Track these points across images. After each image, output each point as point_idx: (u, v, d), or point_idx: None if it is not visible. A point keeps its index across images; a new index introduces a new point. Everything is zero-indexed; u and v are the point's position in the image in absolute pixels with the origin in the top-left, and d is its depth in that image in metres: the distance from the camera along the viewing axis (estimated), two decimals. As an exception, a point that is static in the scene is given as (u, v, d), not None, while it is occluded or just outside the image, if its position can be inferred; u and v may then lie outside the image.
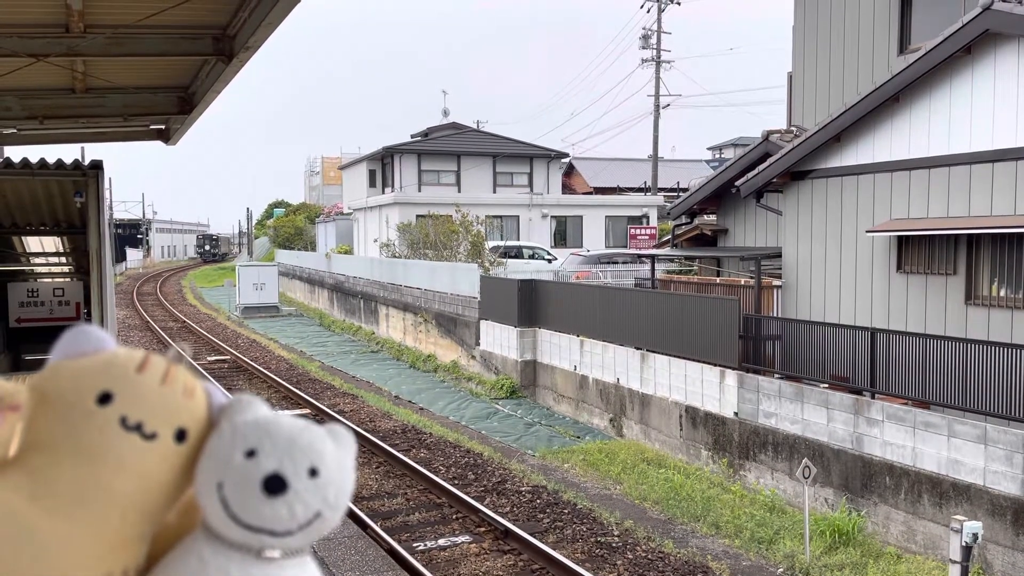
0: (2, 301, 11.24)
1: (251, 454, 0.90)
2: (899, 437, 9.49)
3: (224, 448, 0.92)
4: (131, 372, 0.93)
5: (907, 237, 11.48)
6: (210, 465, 0.92)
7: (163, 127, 8.98)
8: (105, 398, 0.91)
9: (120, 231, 67.96)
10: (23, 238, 12.10)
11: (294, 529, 0.90)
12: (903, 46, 14.39)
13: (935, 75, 10.99)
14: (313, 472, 0.90)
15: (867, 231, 11.88)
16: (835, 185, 12.78)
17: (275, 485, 0.89)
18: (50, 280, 12.50)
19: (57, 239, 12.33)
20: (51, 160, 8.35)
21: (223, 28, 5.89)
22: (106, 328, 9.02)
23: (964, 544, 7.23)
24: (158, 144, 9.70)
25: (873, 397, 10.08)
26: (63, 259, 13.01)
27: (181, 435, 0.93)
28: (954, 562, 7.36)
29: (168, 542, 0.96)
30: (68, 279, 12.43)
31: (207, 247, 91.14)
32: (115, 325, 11.63)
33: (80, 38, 5.58)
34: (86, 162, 8.64)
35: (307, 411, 15.33)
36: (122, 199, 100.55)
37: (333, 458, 0.93)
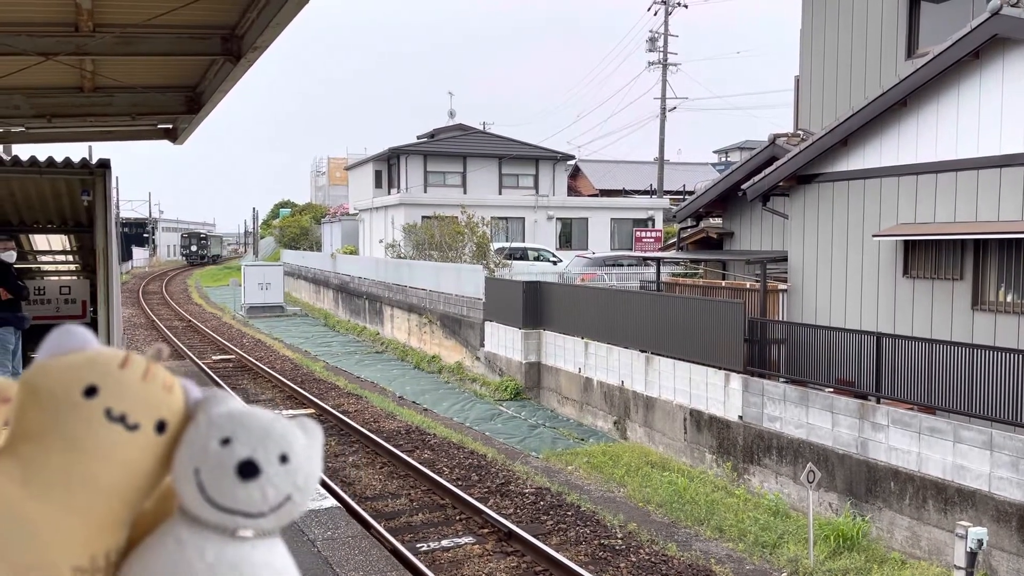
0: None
1: (226, 442, 0.96)
2: (904, 442, 9.46)
3: (201, 437, 0.98)
4: (114, 368, 0.99)
5: (913, 242, 11.45)
6: (188, 453, 0.98)
7: (171, 126, 9.01)
8: (91, 391, 0.96)
9: (126, 230, 66.89)
10: (30, 236, 12.15)
11: (266, 511, 0.96)
12: (911, 50, 14.36)
13: (943, 80, 10.96)
14: (284, 459, 0.97)
15: (873, 235, 11.85)
16: (841, 189, 12.75)
17: (248, 470, 0.95)
18: (56, 278, 12.54)
19: (64, 237, 12.37)
20: (59, 159, 8.39)
21: (231, 28, 5.90)
22: (112, 326, 9.05)
23: (969, 550, 7.22)
24: (165, 143, 9.73)
25: (878, 402, 10.05)
26: (70, 257, 13.06)
27: (161, 426, 0.99)
28: (959, 568, 7.34)
29: (146, 527, 1.01)
30: (74, 277, 12.46)
31: (193, 247, 77.24)
32: (120, 323, 11.66)
33: (89, 37, 5.60)
34: (93, 161, 8.68)
35: (311, 411, 15.34)
36: (129, 198, 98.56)
37: (302, 446, 0.99)
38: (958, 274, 10.92)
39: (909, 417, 9.46)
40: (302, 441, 0.99)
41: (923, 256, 11.43)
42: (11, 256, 9.16)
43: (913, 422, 9.38)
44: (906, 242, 11.56)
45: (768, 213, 14.85)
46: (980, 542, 7.22)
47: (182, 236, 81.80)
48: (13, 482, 0.92)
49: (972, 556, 7.25)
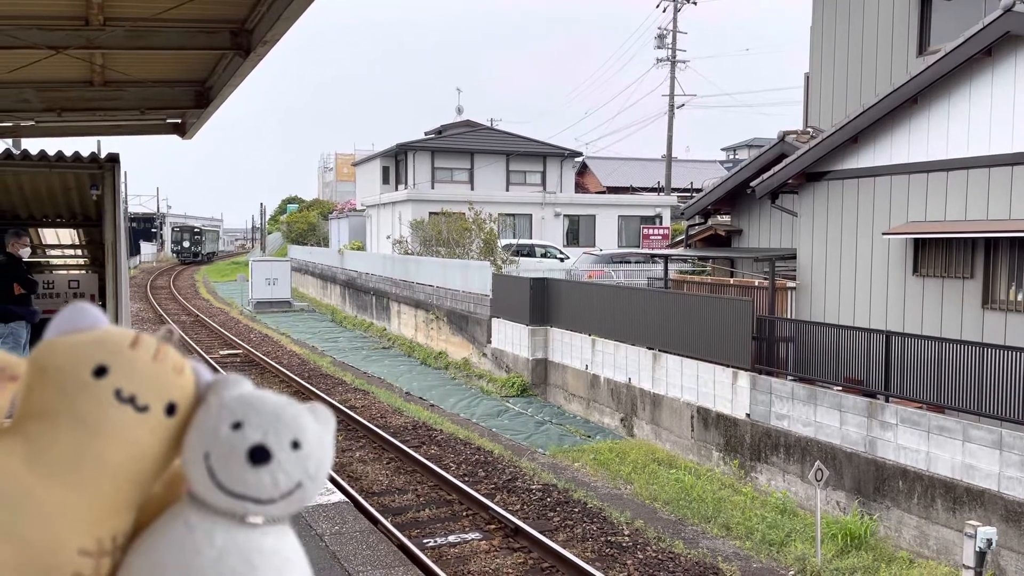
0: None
1: (237, 426, 0.95)
2: (913, 441, 9.42)
3: (211, 421, 0.96)
4: (125, 348, 0.97)
5: (924, 240, 11.40)
6: (198, 436, 0.96)
7: (179, 121, 9.01)
8: (100, 371, 0.95)
9: (134, 225, 65.68)
10: (39, 230, 12.18)
11: (276, 497, 0.95)
12: (922, 47, 14.28)
13: (954, 77, 10.90)
14: (296, 445, 0.95)
15: (883, 233, 11.80)
16: (851, 187, 12.70)
17: (260, 455, 0.93)
18: (65, 272, 12.58)
19: (73, 232, 12.41)
20: (68, 152, 8.40)
21: (241, 22, 5.90)
22: (120, 321, 9.08)
23: (978, 549, 7.18)
24: (174, 138, 9.74)
25: (887, 400, 10.01)
26: (78, 251, 13.10)
27: (171, 409, 0.98)
28: (968, 568, 7.31)
29: (153, 512, 0.99)
30: (83, 271, 12.50)
31: (185, 243, 67.23)
32: (129, 318, 11.70)
33: (99, 31, 5.60)
34: (102, 155, 8.69)
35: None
36: (136, 193, 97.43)
37: (314, 433, 0.98)
38: (969, 272, 10.86)
39: (918, 416, 9.41)
40: (314, 427, 0.98)
41: (933, 254, 11.38)
42: (26, 252, 9.23)
43: (922, 421, 9.34)
44: (916, 240, 11.51)
45: (777, 211, 14.80)
46: (989, 542, 7.19)
47: (172, 230, 70.16)
48: (20, 461, 0.91)
49: (981, 556, 7.22)
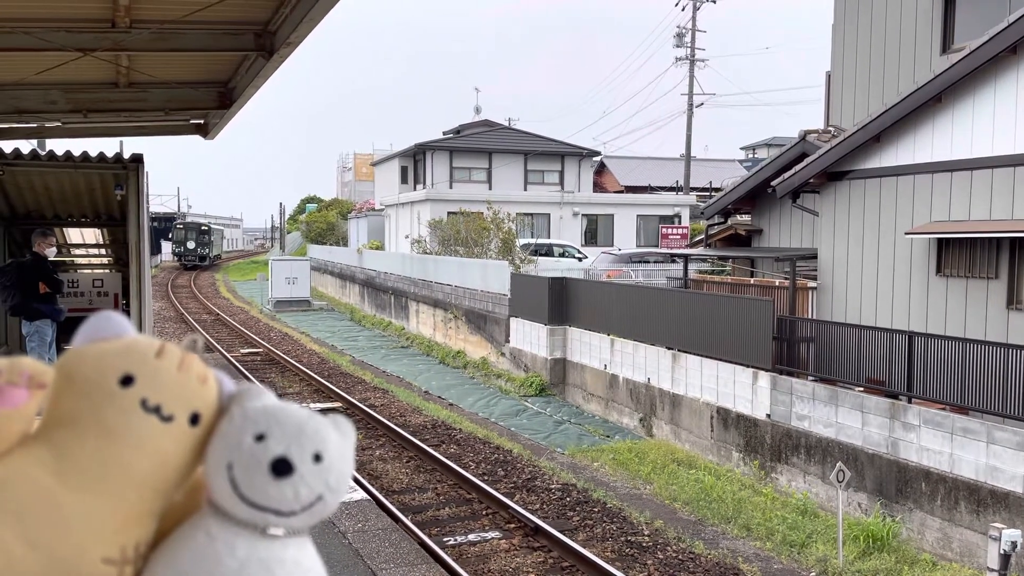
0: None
1: (260, 438, 0.95)
2: (936, 443, 9.34)
3: (235, 432, 0.97)
4: (151, 357, 0.98)
5: (947, 240, 11.29)
6: (221, 447, 0.97)
7: (202, 121, 9.09)
8: (127, 380, 0.95)
9: (156, 224, 65.23)
10: (64, 229, 12.33)
11: (297, 510, 0.95)
12: (946, 46, 14.15)
13: (979, 75, 10.79)
14: (317, 458, 0.95)
15: (906, 233, 11.70)
16: (873, 186, 12.60)
17: (282, 468, 0.94)
18: (89, 271, 12.73)
19: (97, 231, 12.55)
20: (92, 153, 8.51)
21: (264, 24, 5.95)
22: (143, 319, 9.17)
23: (1002, 552, 7.12)
24: (196, 138, 9.82)
25: (910, 401, 9.93)
26: (102, 251, 13.25)
27: (195, 419, 0.98)
28: (992, 570, 7.24)
29: (174, 520, 1.00)
30: (107, 270, 12.65)
31: (189, 243, 57.30)
32: (151, 316, 11.81)
33: (126, 33, 5.66)
34: (126, 155, 8.80)
35: (338, 404, 15.45)
36: (158, 192, 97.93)
37: (336, 446, 0.98)
38: (993, 273, 10.75)
39: (941, 417, 9.33)
40: (336, 440, 0.98)
41: (957, 254, 11.27)
42: (51, 251, 9.36)
43: (945, 422, 9.26)
44: (940, 240, 11.40)
45: (798, 210, 14.71)
46: (1014, 544, 7.12)
47: (175, 228, 60.97)
48: (46, 469, 0.92)
49: (1006, 558, 7.15)
